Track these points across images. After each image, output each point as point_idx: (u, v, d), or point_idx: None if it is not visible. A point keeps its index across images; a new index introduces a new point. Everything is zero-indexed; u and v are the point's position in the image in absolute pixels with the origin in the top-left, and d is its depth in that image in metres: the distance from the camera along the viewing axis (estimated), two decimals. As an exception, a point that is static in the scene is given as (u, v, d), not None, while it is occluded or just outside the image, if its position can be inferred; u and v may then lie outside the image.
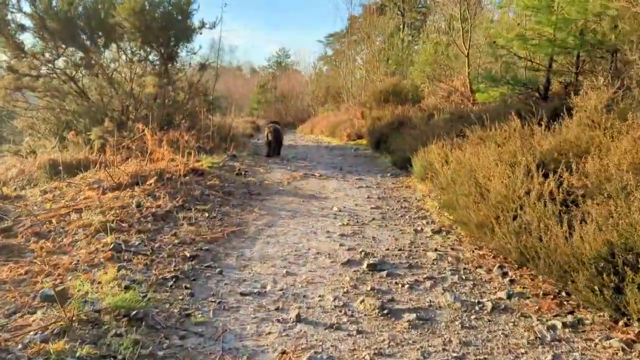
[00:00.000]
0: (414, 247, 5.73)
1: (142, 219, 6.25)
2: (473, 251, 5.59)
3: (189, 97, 16.31)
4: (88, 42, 14.78)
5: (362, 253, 5.47)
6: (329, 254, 5.42)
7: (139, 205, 6.82)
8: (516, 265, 5.02)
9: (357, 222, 6.92)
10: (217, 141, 13.87)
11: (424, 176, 9.30)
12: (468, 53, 17.85)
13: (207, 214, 6.81)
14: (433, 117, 16.23)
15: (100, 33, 15.01)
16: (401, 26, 31.39)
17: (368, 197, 8.67)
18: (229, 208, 7.37)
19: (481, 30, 18.23)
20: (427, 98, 19.85)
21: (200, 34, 16.53)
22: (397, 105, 17.43)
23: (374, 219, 7.13)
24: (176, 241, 5.52)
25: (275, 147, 13.94)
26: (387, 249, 5.65)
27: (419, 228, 6.60)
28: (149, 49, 15.93)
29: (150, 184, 7.97)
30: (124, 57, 15.98)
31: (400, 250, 5.63)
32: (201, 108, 14.59)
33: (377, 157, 13.86)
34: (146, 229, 5.85)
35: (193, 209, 6.97)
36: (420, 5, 39.04)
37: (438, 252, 5.54)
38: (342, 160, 13.32)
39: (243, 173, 10.32)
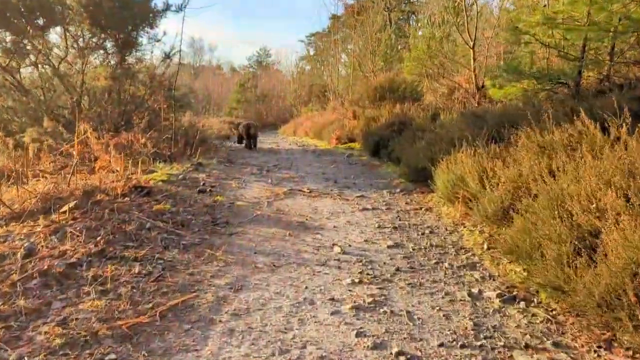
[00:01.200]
0: (486, 340, 3.29)
1: (21, 284, 3.71)
2: (596, 351, 3.16)
3: (151, 92, 13.70)
4: (23, 24, 12.11)
5: (400, 358, 3.02)
6: (342, 363, 2.97)
7: (29, 254, 4.27)
8: None
9: (375, 276, 4.47)
10: (181, 146, 11.30)
11: (451, 195, 6.90)
12: (474, 45, 15.54)
13: (137, 268, 4.27)
14: (438, 117, 13.92)
15: (38, 13, 12.35)
16: (387, 23, 29.18)
17: (379, 227, 6.23)
18: (176, 253, 4.85)
19: (491, 17, 15.97)
20: (427, 96, 17.53)
21: (165, 17, 13.95)
22: (394, 104, 15.04)
23: (398, 269, 4.68)
24: (59, 341, 2.99)
25: (251, 142, 14.63)
26: (442, 345, 3.20)
27: (474, 290, 4.15)
28: (102, 35, 13.29)
29: (65, 213, 5.42)
30: (74, 44, 13.31)
31: (463, 347, 3.19)
32: (162, 105, 12.00)
33: (376, 165, 11.42)
34: (14, 311, 3.31)
35: (118, 258, 4.45)
36: (405, 2, 36.94)
37: (533, 355, 3.10)
38: (335, 169, 10.85)
39: (208, 189, 7.80)
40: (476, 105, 14.73)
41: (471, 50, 15.68)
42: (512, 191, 5.56)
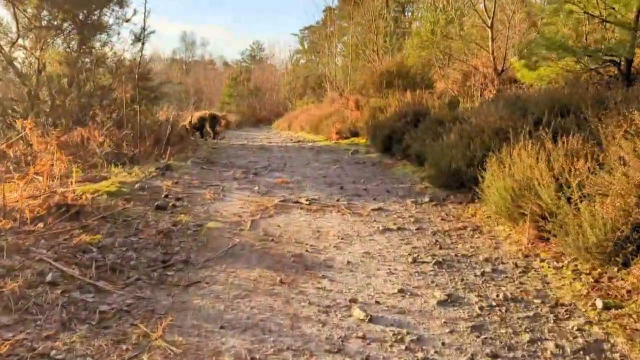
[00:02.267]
0: None
1: None
2: None
3: (118, 81, 11.55)
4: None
5: None
6: None
7: None
8: None
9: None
10: (148, 144, 9.20)
11: (512, 210, 4.84)
12: (492, 23, 13.48)
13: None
14: (456, 105, 11.86)
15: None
16: (386, 9, 27.05)
17: (415, 261, 4.19)
18: (80, 337, 2.77)
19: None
20: (438, 83, 15.45)
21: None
22: (403, 91, 12.95)
23: (473, 361, 2.64)
24: None
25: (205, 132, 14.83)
26: None
27: None
28: (57, 13, 11.14)
29: None
30: (30, 25, 11.15)
31: None
32: (126, 96, 9.88)
33: (389, 164, 9.34)
34: None
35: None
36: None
37: None
38: (339, 170, 8.76)
39: (171, 204, 5.72)
40: (495, 92, 12.71)
41: (489, 29, 13.62)
42: (631, 210, 3.52)
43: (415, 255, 4.38)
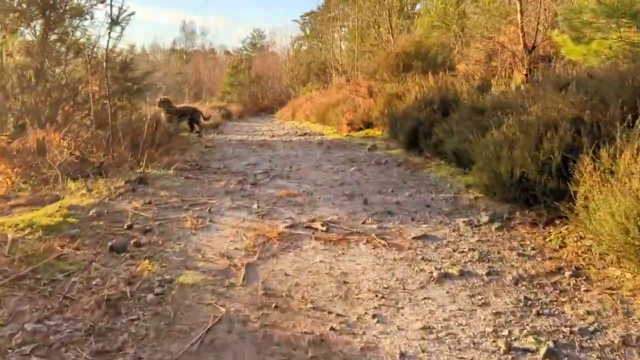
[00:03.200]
0: None
1: None
2: None
3: (92, 72, 9.84)
4: None
5: None
6: None
7: None
8: None
9: None
10: (124, 148, 7.53)
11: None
12: (520, -8, 11.73)
13: None
14: (487, 90, 10.15)
15: None
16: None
17: (509, 350, 2.55)
18: None
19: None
20: (460, 64, 13.67)
21: (107, -34, 10.04)
22: (423, 75, 11.21)
23: None
24: None
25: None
26: None
27: None
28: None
29: None
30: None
31: None
32: (92, 89, 8.20)
33: (418, 164, 7.64)
34: None
35: None
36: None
37: None
38: (358, 174, 7.08)
39: (134, 241, 4.04)
40: (525, 73, 10.95)
41: (517, 2, 11.88)
42: None
43: (505, 332, 2.72)
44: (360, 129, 12.06)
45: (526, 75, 10.89)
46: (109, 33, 7.75)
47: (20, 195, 5.30)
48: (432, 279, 3.51)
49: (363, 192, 5.92)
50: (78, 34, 10.08)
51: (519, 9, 11.93)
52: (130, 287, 3.24)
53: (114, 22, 10.44)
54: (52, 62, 9.28)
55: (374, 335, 2.76)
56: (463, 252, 4.00)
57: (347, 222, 4.81)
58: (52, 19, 9.69)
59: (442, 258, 3.90)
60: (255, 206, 5.33)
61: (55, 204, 4.79)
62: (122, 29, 10.66)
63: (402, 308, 3.09)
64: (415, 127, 8.46)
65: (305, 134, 13.22)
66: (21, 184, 5.78)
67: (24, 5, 9.44)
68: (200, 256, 3.91)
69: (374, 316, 2.98)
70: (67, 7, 9.96)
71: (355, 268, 3.74)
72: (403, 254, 4.01)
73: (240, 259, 3.86)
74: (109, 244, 3.86)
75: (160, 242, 4.15)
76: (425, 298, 3.22)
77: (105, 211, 4.75)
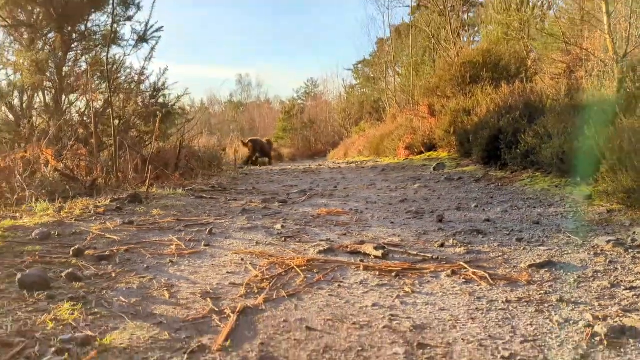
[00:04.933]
0: None
1: None
2: None
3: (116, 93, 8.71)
4: None
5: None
6: None
7: None
8: None
9: None
10: (131, 170, 6.15)
11: None
12: (607, -11, 10.00)
13: None
14: (574, 93, 8.32)
15: None
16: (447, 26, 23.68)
17: None
18: None
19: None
20: (536, 76, 11.80)
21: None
22: (494, 87, 9.44)
23: None
24: None
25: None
26: None
27: None
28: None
29: None
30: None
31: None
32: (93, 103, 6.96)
33: (504, 179, 5.82)
34: None
35: None
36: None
37: None
38: (424, 190, 5.33)
39: (64, 275, 2.47)
40: (617, 82, 9.02)
41: (602, 2, 10.09)
42: None
43: None
44: (421, 152, 10.33)
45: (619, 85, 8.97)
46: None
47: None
48: (597, 338, 1.75)
49: (434, 210, 4.18)
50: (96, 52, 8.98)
51: (604, 9, 10.16)
52: (0, 350, 1.66)
53: (141, 38, 9.42)
54: (67, 86, 8.18)
55: None
56: (634, 289, 2.20)
57: (416, 245, 3.09)
58: (71, 36, 8.69)
59: (597, 299, 2.12)
60: (278, 226, 3.69)
61: (-4, 224, 3.35)
62: (152, 48, 9.66)
63: (559, 407, 1.35)
64: (495, 136, 6.69)
65: (355, 163, 11.57)
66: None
67: (40, 19, 8.48)
68: (167, 295, 2.29)
69: None
70: (90, 26, 8.96)
71: (437, 317, 2.02)
72: (520, 291, 2.26)
73: (232, 301, 2.21)
74: (18, 276, 2.31)
75: (113, 274, 2.56)
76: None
77: (56, 233, 3.23)
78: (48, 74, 7.94)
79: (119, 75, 9.09)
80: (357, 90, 44.58)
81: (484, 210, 4.08)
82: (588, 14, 11.62)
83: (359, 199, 4.99)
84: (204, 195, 5.19)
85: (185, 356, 1.70)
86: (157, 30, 9.43)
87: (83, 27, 8.88)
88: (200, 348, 1.77)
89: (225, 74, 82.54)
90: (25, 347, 1.72)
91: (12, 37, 8.04)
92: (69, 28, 8.44)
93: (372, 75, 37.47)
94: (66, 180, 5.13)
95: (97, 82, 9.19)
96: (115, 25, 9.05)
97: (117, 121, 6.54)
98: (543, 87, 9.59)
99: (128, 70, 9.32)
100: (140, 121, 9.34)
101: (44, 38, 8.30)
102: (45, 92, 8.40)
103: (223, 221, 3.90)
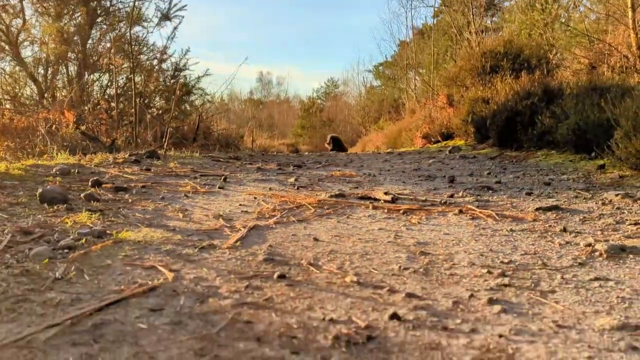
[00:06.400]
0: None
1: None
2: None
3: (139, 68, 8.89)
4: None
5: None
6: None
7: None
8: None
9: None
10: (151, 138, 6.27)
11: None
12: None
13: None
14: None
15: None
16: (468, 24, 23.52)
17: None
18: None
19: None
20: (559, 72, 11.71)
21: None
22: (514, 78, 9.39)
23: None
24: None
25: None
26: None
27: None
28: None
29: None
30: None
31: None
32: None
33: (519, 157, 5.83)
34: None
35: None
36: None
37: None
38: (438, 164, 5.35)
39: (82, 196, 2.57)
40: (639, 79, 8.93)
41: (627, -5, 10.14)
42: None
43: None
44: (438, 141, 10.34)
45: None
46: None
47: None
48: (596, 253, 1.79)
49: (447, 175, 4.22)
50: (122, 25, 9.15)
51: (629, 4, 10.12)
52: (20, 236, 1.75)
53: (165, 16, 9.58)
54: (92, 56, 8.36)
55: (498, 336, 1.09)
56: (639, 224, 2.23)
57: (425, 196, 3.14)
58: (96, 11, 8.87)
59: (601, 231, 2.16)
60: (292, 180, 3.76)
61: (20, 163, 3.48)
62: (175, 28, 9.81)
63: (553, 292, 1.40)
64: (511, 119, 6.69)
65: (372, 151, 11.62)
66: (6, 156, 4.57)
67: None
68: (181, 216, 2.38)
69: (490, 301, 1.31)
70: (114, 2, 9.13)
71: (441, 238, 2.08)
72: (525, 225, 2.30)
73: (244, 222, 2.29)
74: (39, 190, 2.42)
75: (130, 200, 2.66)
76: (595, 279, 1.51)
77: (76, 171, 3.35)
78: (72, 46, 8.13)
79: (141, 53, 9.27)
80: (377, 90, 44.53)
81: (495, 176, 4.11)
82: (612, 6, 11.50)
83: (373, 168, 5.04)
84: (221, 159, 5.29)
85: (196, 250, 1.78)
86: (180, 9, 9.60)
87: (108, 3, 9.09)
88: (210, 246, 1.85)
89: (247, 72, 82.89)
90: (44, 235, 1.82)
91: (39, 12, 8.23)
92: (94, 3, 8.64)
93: (392, 77, 37.41)
94: (87, 140, 5.27)
95: (119, 59, 9.39)
96: (139, 2, 9.23)
97: (138, 99, 6.64)
98: (563, 77, 9.55)
99: (151, 48, 9.51)
100: (161, 98, 9.51)
101: (69, 13, 8.50)
102: (69, 65, 8.61)
103: (238, 175, 3.98)
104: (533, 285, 1.47)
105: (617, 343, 1.07)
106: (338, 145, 15.01)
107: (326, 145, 15.63)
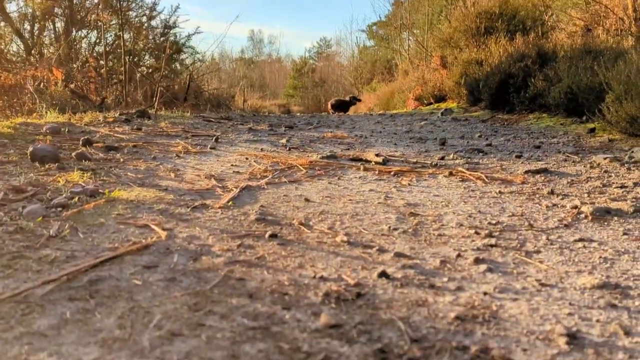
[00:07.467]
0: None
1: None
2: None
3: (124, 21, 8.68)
4: None
5: None
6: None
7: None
8: None
9: None
10: (142, 94, 6.21)
11: None
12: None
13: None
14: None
15: None
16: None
17: None
18: None
19: None
20: (555, 33, 11.62)
21: None
22: (509, 40, 9.31)
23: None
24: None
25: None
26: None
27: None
28: None
29: None
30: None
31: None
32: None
33: (511, 120, 5.85)
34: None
35: None
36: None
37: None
38: (429, 127, 5.37)
39: (73, 155, 2.57)
40: (635, 40, 8.87)
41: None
42: None
43: None
44: (430, 103, 10.31)
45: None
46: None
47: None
48: (582, 215, 1.83)
49: (438, 137, 4.24)
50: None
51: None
52: (13, 194, 1.76)
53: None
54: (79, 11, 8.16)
55: (483, 294, 1.13)
56: (625, 187, 2.27)
57: (416, 158, 3.16)
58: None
59: (588, 193, 2.20)
60: (283, 141, 3.77)
61: (9, 121, 3.45)
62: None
63: (538, 252, 1.44)
64: (504, 81, 6.67)
65: (364, 113, 11.58)
66: (-5, 114, 4.52)
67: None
68: (172, 175, 2.39)
69: (477, 261, 1.34)
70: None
71: (430, 199, 2.11)
72: (514, 187, 2.34)
73: (236, 182, 2.31)
74: (29, 149, 2.41)
75: (122, 160, 2.66)
76: (580, 240, 1.55)
77: (66, 130, 3.33)
78: (59, 1, 7.92)
79: (130, 10, 9.06)
80: (371, 50, 43.95)
81: (486, 139, 4.13)
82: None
83: (365, 130, 5.05)
84: (212, 119, 5.27)
85: (189, 209, 1.80)
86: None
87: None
88: (202, 205, 1.87)
89: (238, 30, 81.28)
90: (37, 193, 1.83)
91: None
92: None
93: (386, 37, 36.92)
94: (76, 98, 5.21)
95: (108, 15, 9.17)
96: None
97: (127, 57, 6.52)
98: (558, 39, 9.47)
99: (140, 4, 9.29)
100: (151, 57, 9.36)
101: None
102: (56, 22, 8.41)
103: (230, 135, 3.98)
104: (519, 245, 1.51)
105: (597, 301, 1.11)
106: (339, 107, 14.72)
107: (329, 110, 15.34)
